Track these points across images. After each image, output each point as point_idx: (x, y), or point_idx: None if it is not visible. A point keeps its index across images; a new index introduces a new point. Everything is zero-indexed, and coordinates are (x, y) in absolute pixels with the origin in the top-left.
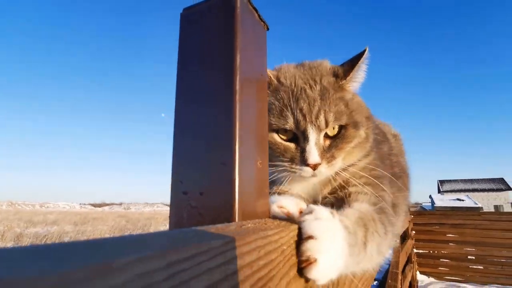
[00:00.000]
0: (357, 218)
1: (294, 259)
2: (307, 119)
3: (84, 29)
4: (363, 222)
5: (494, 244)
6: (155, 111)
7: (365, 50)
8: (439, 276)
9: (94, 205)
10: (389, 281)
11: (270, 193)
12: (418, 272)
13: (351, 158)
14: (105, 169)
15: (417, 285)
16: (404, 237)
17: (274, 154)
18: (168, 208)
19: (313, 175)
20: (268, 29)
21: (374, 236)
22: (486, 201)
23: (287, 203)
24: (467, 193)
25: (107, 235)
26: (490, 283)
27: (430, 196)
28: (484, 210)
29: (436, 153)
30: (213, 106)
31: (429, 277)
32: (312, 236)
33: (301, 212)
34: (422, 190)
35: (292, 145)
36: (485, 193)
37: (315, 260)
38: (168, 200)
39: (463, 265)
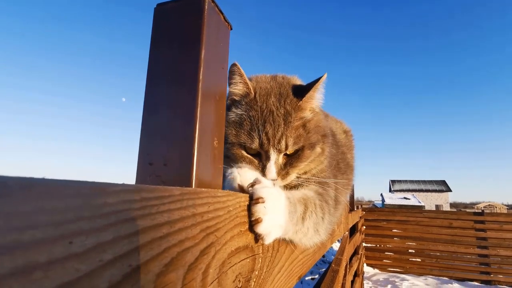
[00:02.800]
0: (300, 198)
1: (238, 220)
2: (270, 143)
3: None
4: (304, 202)
5: (431, 239)
6: (116, 96)
7: (324, 75)
8: (383, 268)
9: None
10: (333, 265)
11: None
12: (365, 264)
13: (306, 169)
14: (71, 154)
15: (362, 276)
16: (353, 230)
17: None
18: None
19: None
20: (231, 29)
21: (312, 215)
22: (429, 201)
23: (243, 177)
24: (413, 193)
25: None
26: (425, 274)
27: (381, 194)
28: (426, 209)
29: (391, 155)
30: (179, 85)
31: (374, 268)
32: (261, 197)
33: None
34: (376, 189)
35: (255, 160)
36: (429, 193)
37: (262, 220)
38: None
39: (404, 258)
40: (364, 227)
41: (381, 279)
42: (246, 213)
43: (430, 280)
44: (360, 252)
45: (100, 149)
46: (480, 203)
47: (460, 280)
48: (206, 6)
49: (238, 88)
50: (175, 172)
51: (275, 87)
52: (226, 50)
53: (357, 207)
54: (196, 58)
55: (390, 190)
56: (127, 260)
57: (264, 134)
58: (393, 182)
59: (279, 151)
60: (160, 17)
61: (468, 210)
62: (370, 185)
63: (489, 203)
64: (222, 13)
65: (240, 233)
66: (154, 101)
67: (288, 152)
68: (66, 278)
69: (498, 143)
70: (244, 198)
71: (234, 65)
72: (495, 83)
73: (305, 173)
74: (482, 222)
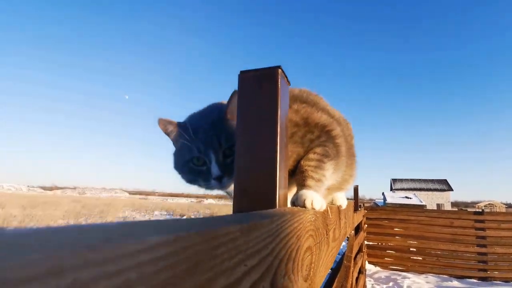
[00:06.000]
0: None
1: (307, 229)
2: (206, 145)
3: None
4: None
5: (432, 238)
6: (119, 92)
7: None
8: (384, 266)
9: (44, 188)
10: (345, 262)
11: None
12: (367, 262)
13: None
14: (57, 151)
15: (365, 272)
16: (357, 229)
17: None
18: (127, 195)
19: (219, 187)
20: (289, 84)
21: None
22: (430, 200)
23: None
24: (414, 192)
25: (60, 221)
26: (426, 272)
27: (382, 193)
28: (428, 208)
29: (392, 153)
30: (262, 133)
31: (376, 266)
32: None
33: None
34: (377, 187)
35: (204, 168)
36: (431, 192)
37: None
38: (127, 186)
39: (406, 256)
40: (366, 225)
41: (382, 277)
42: (311, 222)
43: (431, 278)
44: (363, 249)
45: (101, 147)
46: (480, 202)
47: (459, 277)
48: (279, 76)
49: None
50: (263, 197)
51: (203, 111)
52: (287, 101)
53: (360, 206)
54: (274, 112)
55: (391, 189)
56: (271, 271)
57: (199, 141)
58: (394, 181)
59: (215, 151)
60: (244, 81)
61: (469, 209)
62: (371, 184)
63: (489, 202)
64: (286, 77)
65: (308, 237)
66: (245, 144)
67: (227, 152)
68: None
69: (499, 142)
70: (308, 212)
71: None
72: (495, 82)
73: None
74: (482, 221)
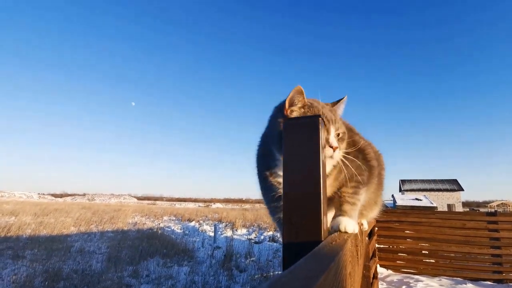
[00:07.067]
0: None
1: (348, 257)
2: (330, 122)
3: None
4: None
5: (444, 240)
6: (124, 99)
7: (344, 97)
8: (396, 269)
9: (55, 196)
10: (364, 271)
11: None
12: (378, 265)
13: (345, 150)
14: (66, 157)
15: (378, 276)
16: (370, 235)
17: None
18: (135, 200)
19: (331, 156)
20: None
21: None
22: (441, 200)
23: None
24: (424, 193)
25: (72, 228)
26: (439, 275)
27: (392, 196)
28: (439, 209)
29: (400, 153)
30: (307, 176)
31: (387, 269)
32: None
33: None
34: (386, 188)
35: None
36: (441, 192)
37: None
38: (135, 191)
39: (418, 259)
40: (377, 228)
41: (395, 280)
42: (350, 250)
43: (444, 280)
44: (375, 254)
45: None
46: (493, 201)
47: (474, 280)
48: (319, 122)
49: (301, 104)
50: (309, 227)
51: (321, 103)
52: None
53: None
54: (317, 151)
55: (400, 190)
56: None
57: (325, 117)
58: (403, 181)
59: (335, 129)
60: (289, 127)
61: (481, 209)
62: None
63: (502, 202)
64: (322, 119)
65: (348, 264)
66: (291, 181)
67: (338, 132)
68: None
69: (510, 139)
70: (347, 242)
71: (298, 87)
72: (506, 79)
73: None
74: (495, 222)
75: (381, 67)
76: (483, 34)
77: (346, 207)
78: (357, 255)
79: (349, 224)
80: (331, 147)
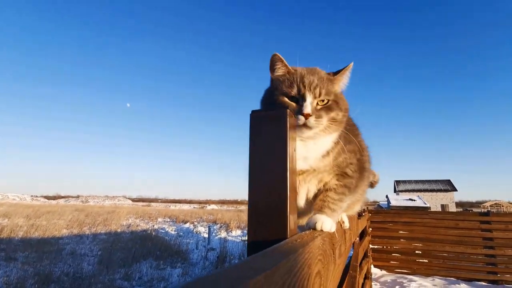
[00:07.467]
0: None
1: (316, 255)
2: (306, 88)
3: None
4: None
5: (438, 240)
6: (120, 100)
7: (350, 64)
8: (390, 269)
9: (48, 198)
10: (351, 271)
11: None
12: (372, 266)
13: (327, 131)
14: (60, 159)
15: (371, 277)
16: (362, 235)
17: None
18: (130, 202)
19: (305, 124)
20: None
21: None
22: (434, 201)
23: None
24: (418, 193)
25: (64, 230)
26: (432, 275)
27: (386, 196)
28: (432, 209)
29: (395, 154)
30: (274, 175)
31: (381, 270)
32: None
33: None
34: (380, 189)
35: (294, 104)
36: (434, 193)
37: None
38: (130, 193)
39: (411, 259)
40: (371, 229)
41: (388, 280)
42: (319, 247)
43: (438, 280)
44: (368, 254)
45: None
46: (486, 201)
47: (467, 280)
48: (287, 115)
49: (281, 71)
50: (275, 225)
51: (311, 70)
52: (295, 136)
53: (364, 210)
54: (284, 145)
55: (394, 191)
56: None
57: (301, 83)
58: (397, 182)
59: (314, 96)
60: (255, 120)
61: (474, 209)
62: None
63: (495, 202)
64: (293, 116)
65: (317, 262)
66: (256, 179)
67: (319, 103)
68: None
69: (502, 140)
70: (317, 239)
71: (275, 54)
72: (498, 80)
73: (330, 126)
74: (488, 222)
75: (374, 66)
76: (483, 34)
77: (327, 210)
78: (333, 254)
79: (326, 222)
80: (302, 114)
